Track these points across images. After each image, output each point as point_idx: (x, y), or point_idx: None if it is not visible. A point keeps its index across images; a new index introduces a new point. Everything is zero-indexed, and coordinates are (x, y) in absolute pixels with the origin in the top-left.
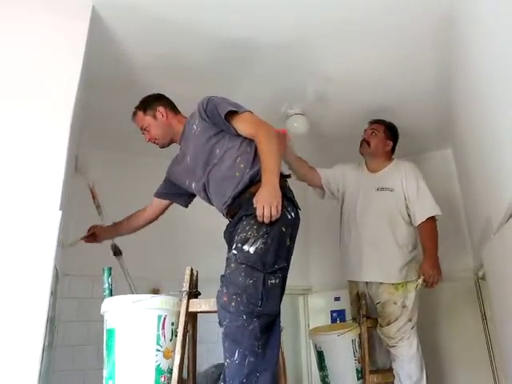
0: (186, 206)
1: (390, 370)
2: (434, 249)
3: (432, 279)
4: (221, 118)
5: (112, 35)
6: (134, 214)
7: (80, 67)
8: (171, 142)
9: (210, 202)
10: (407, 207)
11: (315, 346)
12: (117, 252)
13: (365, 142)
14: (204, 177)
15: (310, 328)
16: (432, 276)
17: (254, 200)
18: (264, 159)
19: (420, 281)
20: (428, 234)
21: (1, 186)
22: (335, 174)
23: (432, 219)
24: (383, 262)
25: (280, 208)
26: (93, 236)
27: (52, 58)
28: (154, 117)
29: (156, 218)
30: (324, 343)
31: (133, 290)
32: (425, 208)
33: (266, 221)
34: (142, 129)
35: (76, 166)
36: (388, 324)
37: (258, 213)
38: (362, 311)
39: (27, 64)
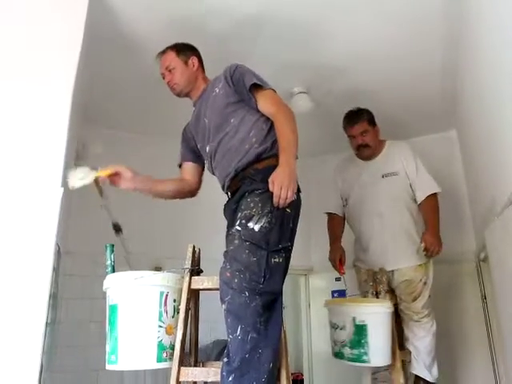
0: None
1: (404, 348)
2: (435, 221)
3: (432, 247)
4: (245, 87)
5: (112, 6)
6: (170, 178)
7: (80, 41)
8: (187, 94)
9: (213, 172)
10: (411, 187)
11: (353, 319)
12: (118, 230)
13: (363, 147)
14: (214, 143)
15: (326, 300)
16: (432, 244)
17: (270, 179)
18: (283, 139)
19: (422, 245)
20: (429, 209)
21: (2, 164)
22: (337, 197)
23: (433, 195)
24: (406, 248)
25: (295, 192)
26: (118, 176)
27: (52, 31)
28: (186, 63)
29: (192, 189)
30: (369, 315)
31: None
32: (426, 186)
33: (282, 203)
34: (166, 69)
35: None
36: (414, 300)
37: (275, 193)
38: (384, 286)
39: (26, 39)
